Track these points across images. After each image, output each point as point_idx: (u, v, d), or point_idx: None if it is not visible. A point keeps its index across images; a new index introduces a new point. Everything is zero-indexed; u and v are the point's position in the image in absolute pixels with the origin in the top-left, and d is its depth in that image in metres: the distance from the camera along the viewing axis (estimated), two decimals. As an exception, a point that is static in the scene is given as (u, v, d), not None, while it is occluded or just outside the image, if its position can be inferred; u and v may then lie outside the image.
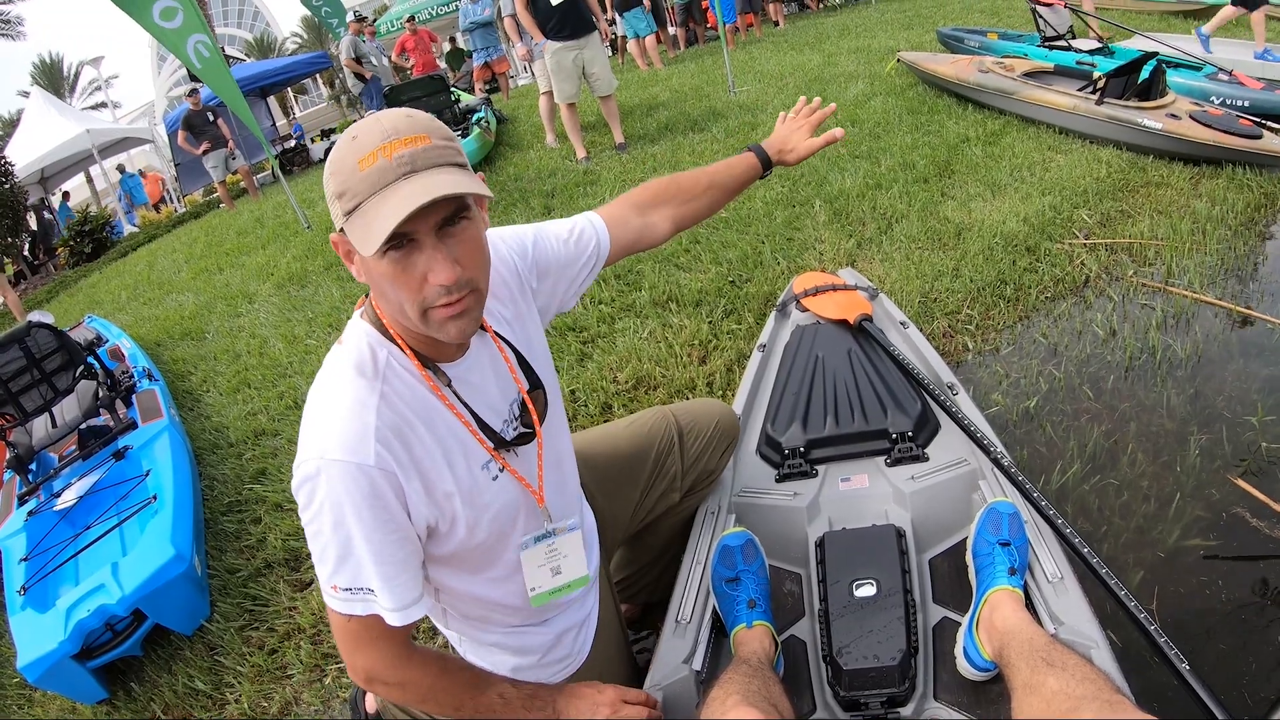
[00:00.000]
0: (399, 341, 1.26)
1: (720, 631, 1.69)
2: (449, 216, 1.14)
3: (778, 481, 2.04)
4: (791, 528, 1.90)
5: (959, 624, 1.59)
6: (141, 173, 21.10)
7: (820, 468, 2.04)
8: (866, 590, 1.60)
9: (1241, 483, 2.26)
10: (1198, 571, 2.05)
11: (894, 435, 2.02)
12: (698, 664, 1.58)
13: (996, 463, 1.79)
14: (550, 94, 7.03)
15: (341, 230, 1.16)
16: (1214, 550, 2.09)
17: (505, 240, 1.52)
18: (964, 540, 1.73)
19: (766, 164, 1.88)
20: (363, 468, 1.15)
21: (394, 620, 1.22)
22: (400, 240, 1.11)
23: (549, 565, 1.44)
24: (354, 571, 1.20)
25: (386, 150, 1.10)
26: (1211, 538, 2.13)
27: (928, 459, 1.97)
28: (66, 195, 18.68)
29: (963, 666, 1.49)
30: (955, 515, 1.84)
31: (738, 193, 1.89)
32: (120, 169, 20.58)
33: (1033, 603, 1.53)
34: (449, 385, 1.30)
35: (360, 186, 1.10)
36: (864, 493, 1.93)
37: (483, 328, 1.40)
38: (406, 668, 1.30)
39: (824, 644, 1.57)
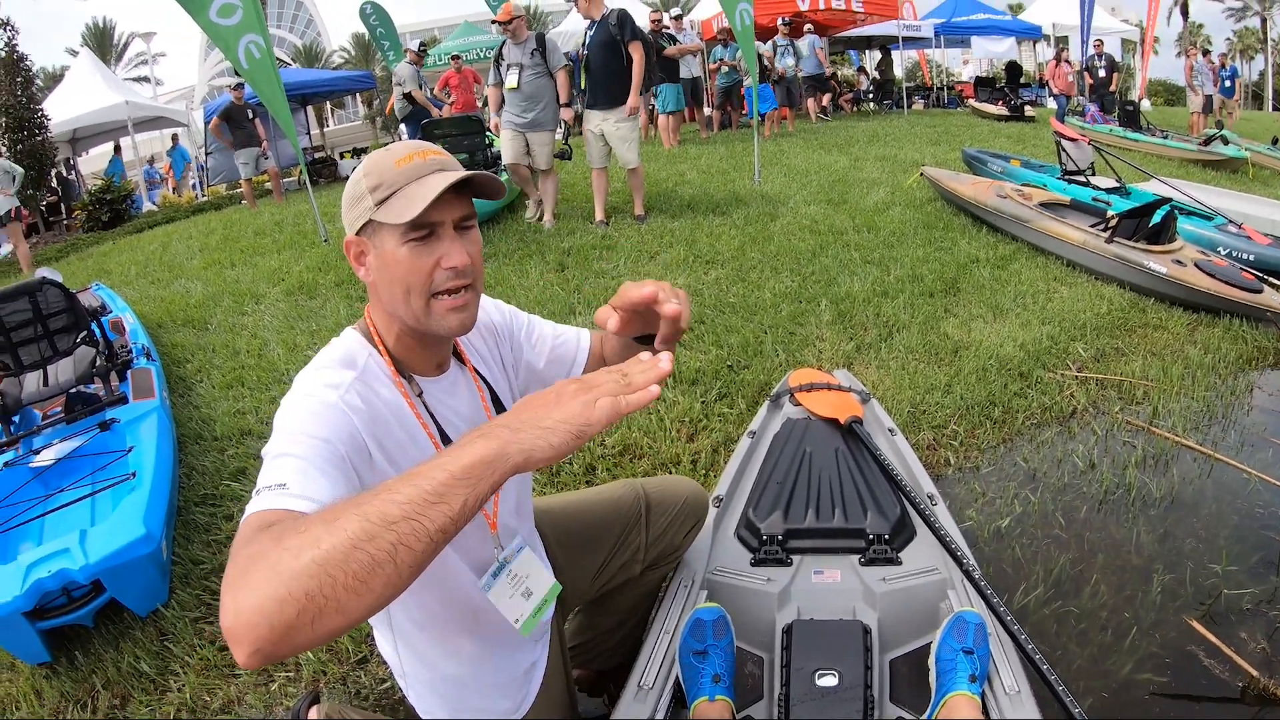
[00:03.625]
0: (380, 348, 1.36)
1: (679, 701, 1.72)
2: (465, 216, 1.30)
3: (753, 565, 2.07)
4: (761, 611, 1.94)
5: (912, 726, 1.63)
6: (167, 154, 21.20)
7: (796, 558, 2.08)
8: (828, 680, 1.64)
9: (1198, 625, 2.32)
10: (1148, 705, 2.10)
11: (871, 536, 2.08)
12: (655, 730, 1.60)
13: (968, 575, 1.84)
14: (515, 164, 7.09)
15: (361, 230, 1.32)
16: (1165, 687, 2.15)
17: (500, 308, 1.65)
18: (927, 645, 1.77)
19: None
20: (327, 401, 1.22)
21: (297, 505, 1.03)
22: (423, 230, 1.25)
23: (518, 591, 1.46)
24: (275, 470, 1.10)
25: (421, 155, 1.29)
26: (1165, 674, 2.18)
27: (901, 563, 2.02)
28: (119, 149, 18.53)
29: (914, 767, 1.53)
30: (921, 620, 1.89)
31: None
32: (174, 139, 20.77)
33: (988, 712, 1.58)
34: (419, 396, 1.39)
35: (396, 178, 1.27)
36: (835, 587, 1.98)
37: (462, 360, 1.51)
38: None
39: (780, 728, 1.60)
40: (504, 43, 6.83)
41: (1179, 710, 2.09)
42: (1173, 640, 2.30)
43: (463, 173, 1.26)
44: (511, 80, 6.67)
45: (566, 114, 7.02)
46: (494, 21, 7.27)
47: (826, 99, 15.27)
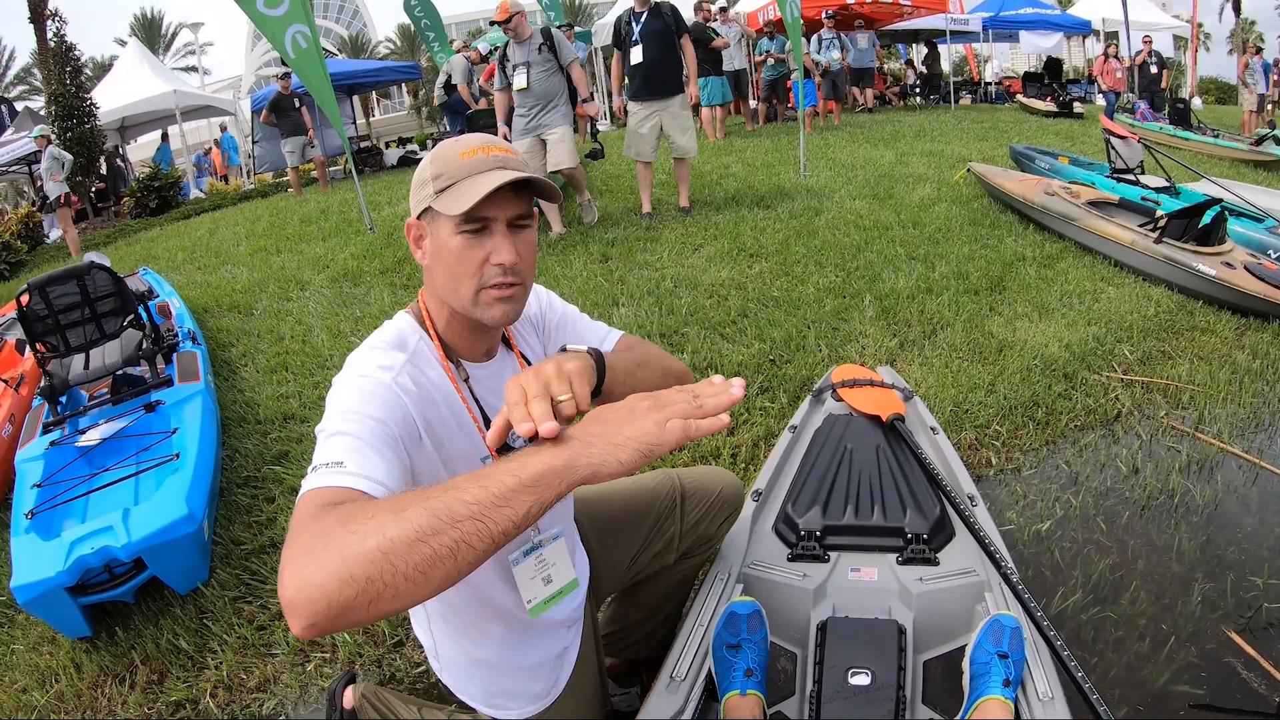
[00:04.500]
0: (431, 333, 1.40)
1: (711, 694, 1.72)
2: (520, 215, 1.32)
3: (789, 560, 2.07)
4: (796, 607, 1.93)
5: (943, 728, 1.62)
6: (217, 143, 21.58)
7: (833, 554, 2.07)
8: (861, 679, 1.63)
9: (1237, 637, 2.26)
10: (1184, 717, 2.06)
11: (909, 535, 2.06)
12: (685, 721, 1.60)
13: (1005, 578, 1.81)
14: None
15: (421, 215, 1.36)
16: (1201, 699, 2.10)
17: (537, 295, 1.66)
18: (961, 647, 1.76)
19: None
20: (381, 382, 1.27)
21: (355, 484, 1.06)
22: (477, 224, 1.28)
23: (540, 576, 1.48)
24: (331, 448, 1.12)
25: (486, 150, 1.32)
26: (1201, 686, 2.13)
27: (938, 563, 2.00)
28: (166, 136, 18.88)
29: (944, 770, 1.51)
30: (956, 622, 1.87)
31: None
32: (222, 127, 21.17)
33: (1020, 718, 1.56)
34: (466, 381, 1.42)
35: (458, 170, 1.31)
36: (872, 585, 1.96)
37: (510, 346, 1.54)
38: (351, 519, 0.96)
39: (811, 724, 1.60)
40: (507, 43, 6.43)
41: (1216, 724, 2.05)
42: (1211, 652, 2.24)
43: (520, 174, 1.29)
44: (520, 80, 6.28)
45: (591, 108, 6.73)
46: (493, 22, 6.79)
47: (869, 94, 15.14)
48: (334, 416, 1.19)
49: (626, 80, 6.89)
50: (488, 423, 1.41)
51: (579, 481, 0.96)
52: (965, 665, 1.68)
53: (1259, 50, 15.56)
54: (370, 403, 1.21)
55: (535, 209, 1.39)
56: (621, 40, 6.78)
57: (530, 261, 1.37)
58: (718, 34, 11.29)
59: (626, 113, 6.88)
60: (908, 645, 1.76)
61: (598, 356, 1.34)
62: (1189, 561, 2.60)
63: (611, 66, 6.99)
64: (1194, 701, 2.10)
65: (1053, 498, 2.96)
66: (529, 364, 1.55)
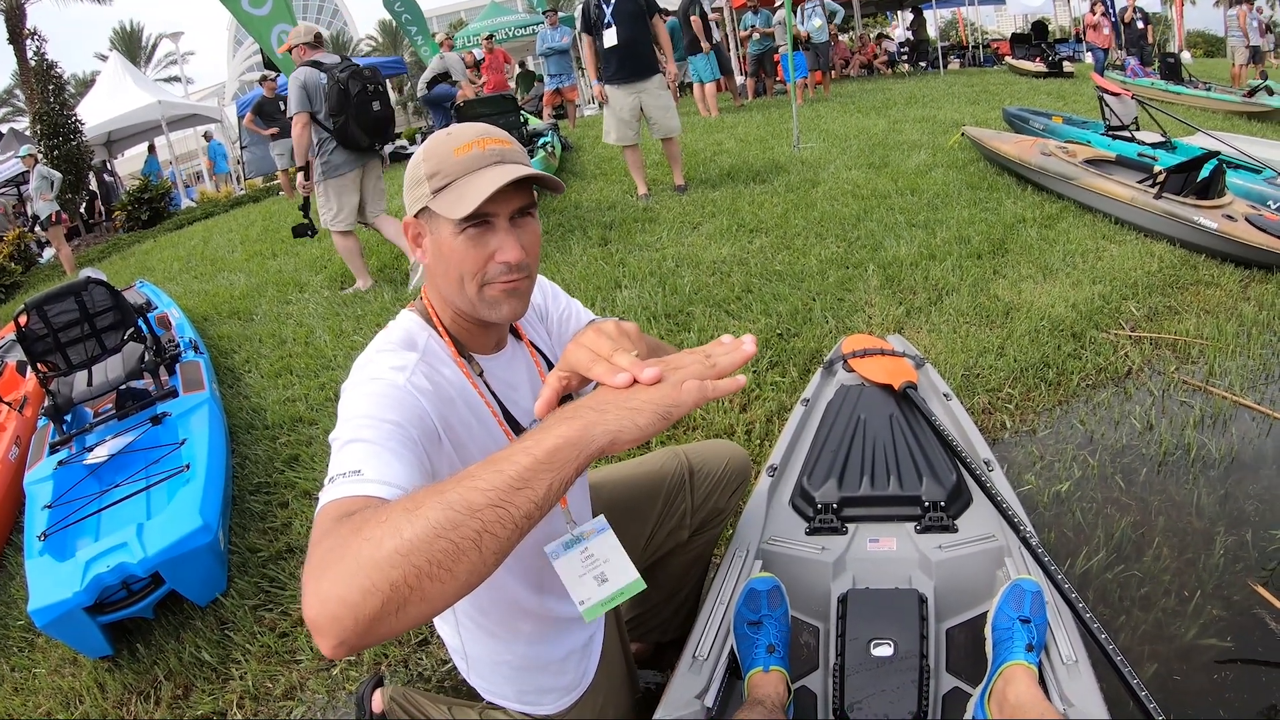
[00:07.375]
0: (439, 329, 1.38)
1: (734, 673, 1.71)
2: (522, 208, 1.29)
3: (807, 534, 2.05)
4: (816, 581, 1.92)
5: (969, 695, 1.61)
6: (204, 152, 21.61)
7: (851, 526, 2.05)
8: (883, 650, 1.62)
9: (1262, 590, 2.26)
10: (1211, 671, 2.05)
11: (927, 503, 2.04)
12: (710, 701, 1.59)
13: (1025, 542, 1.80)
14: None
15: (418, 214, 1.33)
16: (1229, 652, 2.10)
17: (540, 286, 1.64)
18: (983, 614, 1.75)
19: None
20: (395, 383, 1.23)
21: (375, 491, 1.02)
22: (479, 220, 1.25)
23: (591, 574, 1.41)
24: (348, 457, 1.09)
25: (481, 144, 1.27)
26: (1227, 639, 2.13)
27: (957, 530, 1.99)
28: (153, 148, 18.84)
29: (970, 737, 1.50)
30: (977, 589, 1.86)
31: None
32: (206, 135, 21.17)
33: (1045, 682, 1.55)
34: (480, 375, 1.40)
35: (454, 168, 1.27)
36: (891, 555, 1.95)
37: (519, 336, 1.52)
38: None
39: (836, 698, 1.59)
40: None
41: (1242, 676, 2.04)
42: (1236, 604, 2.24)
43: (520, 171, 1.25)
44: None
45: (301, 184, 5.66)
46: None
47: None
48: (348, 423, 1.15)
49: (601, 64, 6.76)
50: (506, 414, 1.41)
51: (597, 451, 0.92)
52: (988, 632, 1.67)
53: (1250, 1, 15.40)
54: (385, 406, 1.18)
55: (539, 191, 1.35)
56: (592, 24, 6.64)
57: (535, 253, 1.34)
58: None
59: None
60: (929, 614, 1.75)
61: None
62: (1209, 516, 2.60)
63: (584, 52, 6.88)
64: (1220, 656, 2.09)
65: (1069, 458, 2.95)
66: (540, 352, 1.54)
